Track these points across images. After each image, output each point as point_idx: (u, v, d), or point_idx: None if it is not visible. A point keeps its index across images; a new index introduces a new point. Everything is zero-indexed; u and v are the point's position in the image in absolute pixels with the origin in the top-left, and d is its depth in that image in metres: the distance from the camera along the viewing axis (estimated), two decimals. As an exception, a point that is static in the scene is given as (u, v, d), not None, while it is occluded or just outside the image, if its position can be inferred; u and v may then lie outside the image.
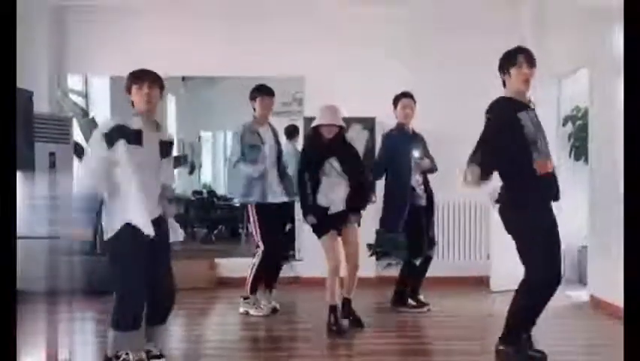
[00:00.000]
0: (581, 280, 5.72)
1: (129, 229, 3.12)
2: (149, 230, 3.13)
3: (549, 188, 3.38)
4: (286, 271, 5.69)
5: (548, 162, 3.36)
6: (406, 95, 4.82)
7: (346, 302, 4.34)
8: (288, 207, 5.00)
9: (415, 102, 4.82)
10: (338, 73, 5.98)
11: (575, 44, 5.32)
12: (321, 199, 4.25)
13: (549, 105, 5.80)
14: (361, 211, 4.35)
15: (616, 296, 4.54)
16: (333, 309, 4.20)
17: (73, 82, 6.47)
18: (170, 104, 6.82)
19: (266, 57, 5.91)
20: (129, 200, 3.14)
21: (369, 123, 5.95)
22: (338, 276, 4.23)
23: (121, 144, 3.11)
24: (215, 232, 8.72)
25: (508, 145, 3.30)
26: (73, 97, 6.39)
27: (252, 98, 4.75)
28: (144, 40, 6.00)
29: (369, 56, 6.02)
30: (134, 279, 3.16)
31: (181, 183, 6.65)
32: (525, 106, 3.40)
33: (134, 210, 3.13)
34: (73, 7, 6.05)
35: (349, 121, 5.47)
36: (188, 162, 8.07)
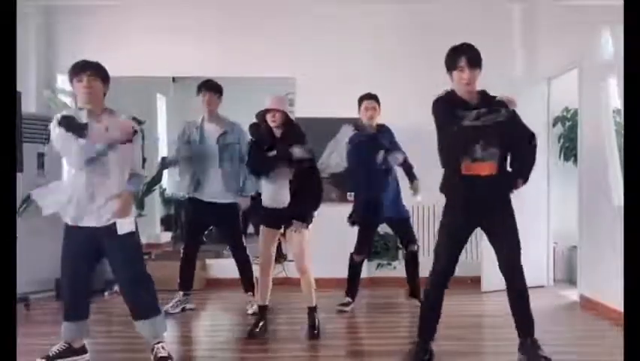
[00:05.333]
0: (571, 280, 5.76)
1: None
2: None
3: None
4: (279, 272, 5.68)
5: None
6: (369, 96, 4.86)
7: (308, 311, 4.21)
8: (226, 207, 4.83)
9: (378, 103, 4.86)
10: (329, 73, 5.98)
11: (564, 45, 5.35)
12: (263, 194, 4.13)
13: (539, 106, 5.84)
14: (307, 215, 3.97)
15: (605, 296, 4.58)
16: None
17: (63, 82, 6.41)
18: (161, 105, 6.79)
19: (257, 58, 5.92)
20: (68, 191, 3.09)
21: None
22: (267, 275, 4.14)
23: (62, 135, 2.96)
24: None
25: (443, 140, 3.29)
26: (63, 97, 6.34)
27: (198, 94, 4.79)
28: (134, 41, 5.98)
29: (360, 57, 6.04)
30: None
31: (171, 183, 6.62)
32: (467, 105, 3.18)
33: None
34: (63, 6, 6.01)
35: (340, 122, 5.46)
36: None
